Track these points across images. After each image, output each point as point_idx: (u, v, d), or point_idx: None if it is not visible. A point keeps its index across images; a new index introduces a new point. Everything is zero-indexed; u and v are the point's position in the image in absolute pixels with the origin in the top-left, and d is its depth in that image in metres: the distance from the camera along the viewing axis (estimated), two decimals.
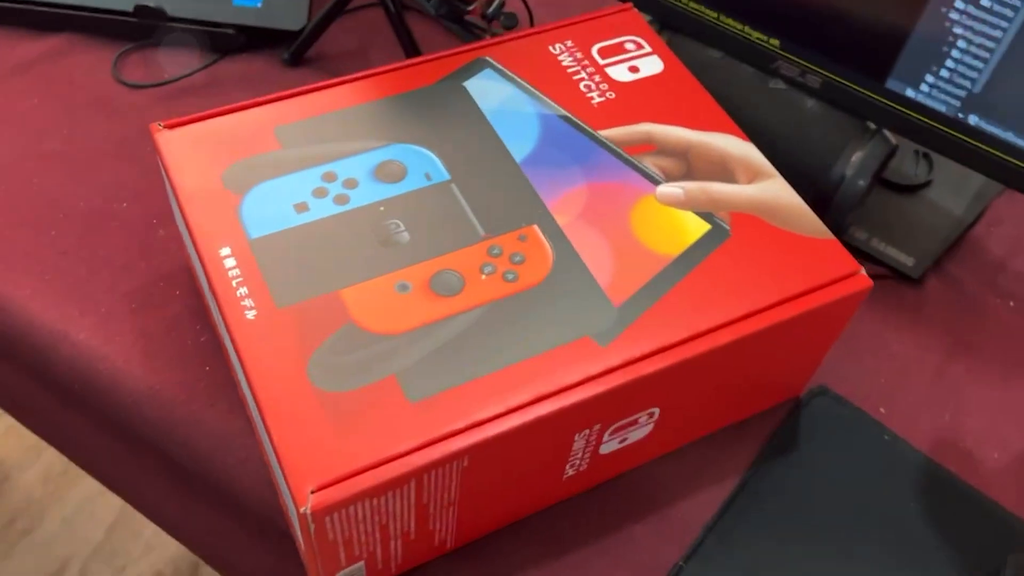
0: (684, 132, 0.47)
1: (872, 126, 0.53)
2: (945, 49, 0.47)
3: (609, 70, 0.49)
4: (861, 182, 0.52)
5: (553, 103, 0.47)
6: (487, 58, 0.49)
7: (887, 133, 0.53)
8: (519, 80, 0.48)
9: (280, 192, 0.42)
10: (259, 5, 0.63)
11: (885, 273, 0.56)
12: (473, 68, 0.48)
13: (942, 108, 0.48)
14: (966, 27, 0.45)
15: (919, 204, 0.57)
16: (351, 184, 0.43)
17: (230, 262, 0.39)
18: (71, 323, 0.48)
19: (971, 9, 0.45)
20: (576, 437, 0.39)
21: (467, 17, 0.66)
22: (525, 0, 0.67)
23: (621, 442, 0.42)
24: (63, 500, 1.17)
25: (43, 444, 1.22)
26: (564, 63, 0.49)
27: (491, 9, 0.62)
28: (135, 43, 0.63)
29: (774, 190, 0.45)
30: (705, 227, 0.43)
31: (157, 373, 0.47)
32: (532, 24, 0.67)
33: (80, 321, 0.48)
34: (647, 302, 0.40)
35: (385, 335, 0.38)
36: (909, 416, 0.49)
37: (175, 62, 0.63)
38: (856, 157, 0.52)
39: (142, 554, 1.13)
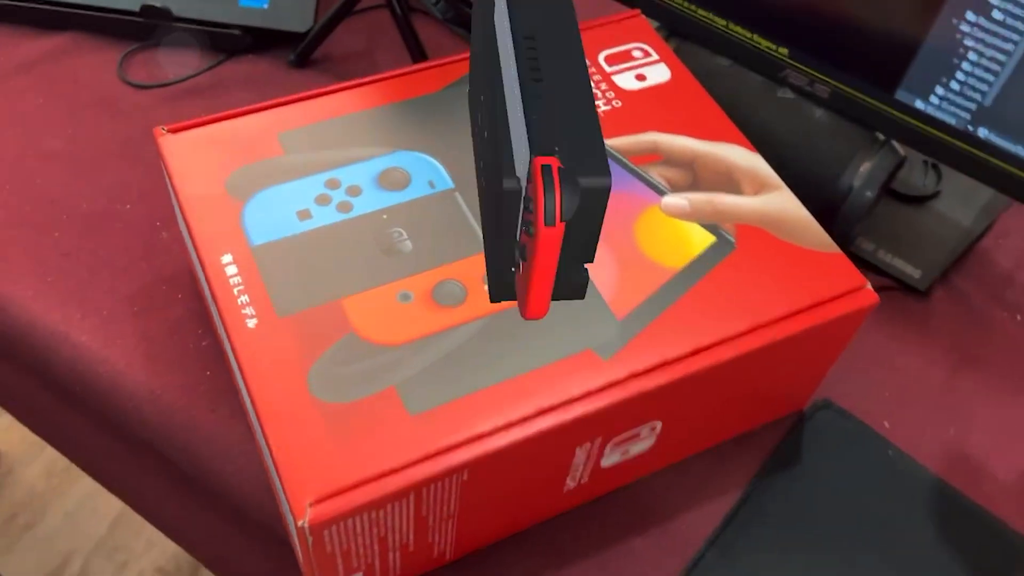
0: (690, 142, 0.46)
1: (881, 137, 0.52)
2: (956, 61, 0.46)
3: (616, 78, 0.49)
4: (869, 193, 0.52)
5: None
6: None
7: (896, 144, 0.53)
8: None
9: (283, 199, 0.42)
10: (265, 6, 0.63)
11: (891, 285, 0.55)
12: None
13: (952, 120, 0.48)
14: (977, 39, 0.45)
15: (927, 215, 0.57)
16: (354, 191, 0.42)
17: (231, 269, 0.39)
18: (72, 325, 0.48)
19: (983, 21, 0.44)
20: (577, 450, 0.39)
21: None
22: None
23: (623, 455, 0.42)
24: (66, 495, 1.17)
25: None
26: None
27: None
28: (141, 43, 0.63)
29: (780, 202, 0.44)
30: (710, 239, 0.43)
31: (158, 377, 0.47)
32: None
33: (81, 323, 0.48)
34: (650, 315, 0.39)
35: (386, 346, 0.37)
36: (914, 430, 0.49)
37: (180, 62, 0.62)
38: (864, 168, 0.52)
39: (144, 550, 1.13)
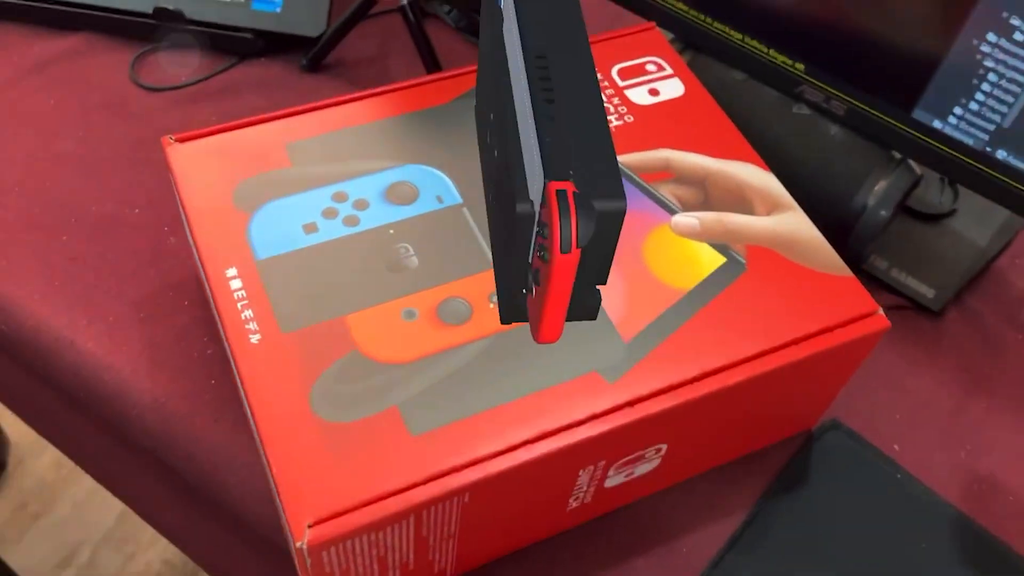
0: (702, 159, 0.46)
1: (897, 155, 0.52)
2: (975, 82, 0.45)
3: (629, 92, 0.48)
4: (883, 212, 0.51)
5: None
6: None
7: (912, 163, 0.52)
8: None
9: (290, 212, 0.41)
10: (278, 10, 0.63)
11: (904, 304, 0.54)
12: None
13: (969, 141, 0.47)
14: (998, 60, 0.44)
15: (942, 234, 0.56)
16: (361, 205, 0.42)
17: (236, 283, 0.39)
18: (78, 331, 0.48)
19: (1003, 43, 0.44)
20: (581, 473, 0.39)
21: None
22: None
23: (627, 476, 0.41)
24: (75, 486, 1.18)
25: None
26: None
27: None
28: (153, 45, 0.63)
29: (793, 223, 0.44)
30: (720, 260, 0.42)
31: (162, 385, 0.47)
32: None
33: (87, 329, 0.48)
34: (658, 338, 0.39)
35: (390, 364, 0.37)
36: (924, 454, 0.48)
37: (192, 65, 0.62)
38: (879, 187, 0.51)
39: (151, 542, 1.14)
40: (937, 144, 0.48)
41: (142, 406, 0.46)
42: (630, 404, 0.37)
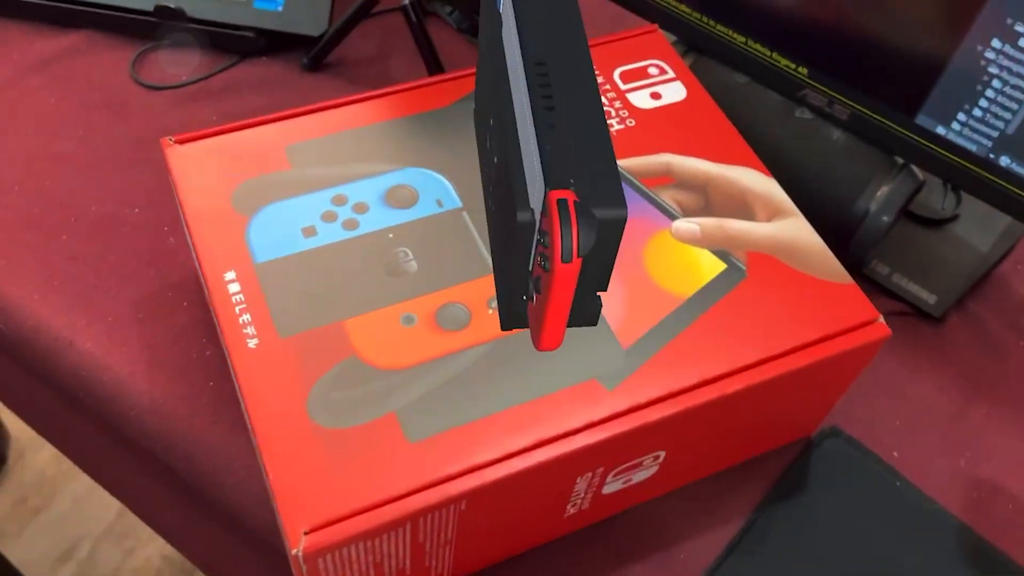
0: (704, 164, 0.45)
1: (899, 161, 0.51)
2: (979, 88, 0.45)
3: (630, 96, 0.48)
4: (885, 218, 0.51)
5: None
6: None
7: (914, 168, 0.52)
8: None
9: (289, 215, 0.41)
10: (280, 9, 0.63)
11: (906, 310, 0.54)
12: None
13: (973, 147, 0.47)
14: (1002, 67, 0.44)
15: (944, 239, 0.56)
16: (361, 208, 0.42)
17: (234, 287, 0.39)
18: (77, 331, 0.48)
19: (1008, 49, 0.43)
20: (578, 480, 0.38)
21: None
22: None
23: (625, 483, 0.41)
24: (75, 480, 1.18)
25: None
26: None
27: None
28: (154, 43, 0.62)
29: (794, 229, 0.43)
30: (720, 267, 0.42)
31: (161, 386, 0.47)
32: None
33: (86, 330, 0.48)
34: (657, 345, 0.39)
35: (387, 370, 0.37)
36: (923, 461, 0.48)
37: (193, 64, 0.62)
38: (881, 192, 0.51)
39: (151, 537, 1.14)
40: (940, 150, 0.48)
41: (141, 407, 0.46)
42: (628, 412, 0.37)
